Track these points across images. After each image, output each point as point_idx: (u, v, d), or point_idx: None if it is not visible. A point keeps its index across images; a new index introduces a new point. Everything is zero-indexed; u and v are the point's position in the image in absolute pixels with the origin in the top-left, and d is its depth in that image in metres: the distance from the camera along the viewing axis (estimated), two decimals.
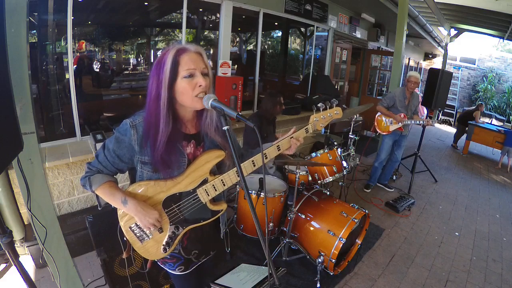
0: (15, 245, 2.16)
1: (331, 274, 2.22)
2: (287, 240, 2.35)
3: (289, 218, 2.33)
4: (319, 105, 1.15)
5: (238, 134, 3.40)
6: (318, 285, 2.15)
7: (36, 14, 2.51)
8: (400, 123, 3.63)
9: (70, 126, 2.72)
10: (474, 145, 7.14)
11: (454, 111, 12.01)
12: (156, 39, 4.08)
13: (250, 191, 2.29)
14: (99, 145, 2.53)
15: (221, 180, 1.07)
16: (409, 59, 11.22)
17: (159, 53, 3.98)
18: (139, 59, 3.93)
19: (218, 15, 3.69)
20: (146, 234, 1.08)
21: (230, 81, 3.58)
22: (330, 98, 4.76)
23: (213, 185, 1.06)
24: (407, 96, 3.65)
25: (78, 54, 3.07)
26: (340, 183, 3.22)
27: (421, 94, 5.44)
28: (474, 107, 7.39)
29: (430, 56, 13.60)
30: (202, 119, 1.07)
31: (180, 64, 0.93)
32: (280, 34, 5.74)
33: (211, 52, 4.42)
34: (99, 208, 1.39)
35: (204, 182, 1.06)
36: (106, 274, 1.89)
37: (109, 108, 3.48)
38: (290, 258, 2.39)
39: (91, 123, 2.97)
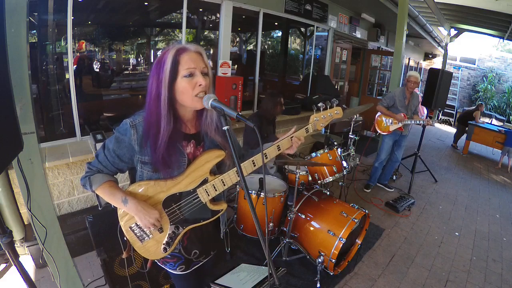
0: (15, 245, 2.16)
1: (331, 274, 2.22)
2: (287, 240, 2.35)
3: (289, 218, 2.33)
4: (319, 104, 1.15)
5: (238, 134, 3.40)
6: (318, 285, 2.15)
7: (36, 14, 2.51)
8: (400, 123, 3.63)
9: (70, 126, 2.72)
10: (474, 145, 7.14)
11: (454, 111, 12.01)
12: (156, 39, 4.08)
13: (250, 191, 2.29)
14: (99, 145, 2.53)
15: (221, 180, 1.07)
16: (409, 59, 11.22)
17: (159, 53, 3.97)
18: (139, 59, 3.93)
19: (218, 15, 3.69)
20: (146, 234, 1.08)
21: (230, 81, 3.58)
22: (330, 98, 4.74)
23: (213, 185, 1.06)
24: (407, 96, 3.65)
25: (78, 54, 3.08)
26: (340, 183, 3.22)
27: (421, 94, 5.44)
28: (474, 107, 7.39)
29: (430, 56, 13.60)
30: (202, 119, 1.07)
31: (180, 63, 0.94)
32: (280, 34, 5.74)
33: (211, 52, 4.42)
34: (100, 208, 1.39)
35: (204, 182, 1.06)
36: (106, 274, 1.89)
37: (109, 108, 3.48)
38: (290, 258, 2.39)
39: (91, 123, 2.97)
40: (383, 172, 4.09)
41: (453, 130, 9.18)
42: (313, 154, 2.70)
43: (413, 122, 3.64)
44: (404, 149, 3.96)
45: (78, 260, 2.25)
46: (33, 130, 1.43)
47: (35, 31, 2.61)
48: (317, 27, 5.21)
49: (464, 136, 7.03)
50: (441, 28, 8.44)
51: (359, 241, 2.47)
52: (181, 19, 3.28)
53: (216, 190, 1.07)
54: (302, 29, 5.80)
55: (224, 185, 1.07)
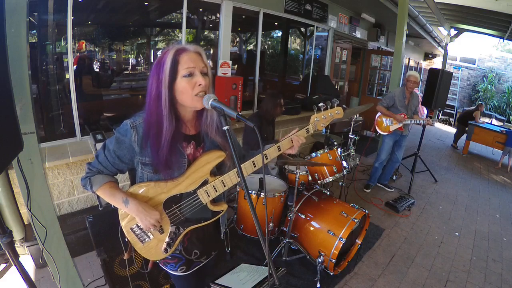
0: (15, 245, 2.16)
1: (331, 274, 2.22)
2: (287, 240, 2.35)
3: (289, 218, 2.33)
4: (320, 105, 1.15)
5: (238, 134, 3.40)
6: (318, 285, 2.15)
7: (36, 14, 2.51)
8: (400, 123, 3.63)
9: (70, 126, 2.72)
10: (474, 145, 7.14)
11: (454, 111, 12.01)
12: (156, 39, 4.07)
13: (250, 191, 2.29)
14: (99, 145, 2.53)
15: (222, 181, 1.07)
16: (409, 59, 11.22)
17: (159, 53, 3.98)
18: (139, 59, 3.93)
19: (218, 15, 3.69)
20: (147, 235, 1.08)
21: (230, 81, 3.58)
22: (330, 98, 4.75)
23: (213, 186, 1.06)
24: (406, 96, 3.65)
25: (78, 54, 3.07)
26: (340, 183, 3.22)
27: (421, 94, 5.44)
28: (474, 107, 7.39)
29: (430, 56, 13.60)
30: (202, 119, 1.07)
31: (180, 63, 0.94)
32: (280, 34, 5.73)
33: (211, 52, 4.42)
34: (100, 208, 1.39)
35: (205, 183, 1.06)
36: (106, 274, 1.89)
37: (109, 108, 3.48)
38: (290, 258, 2.39)
39: (91, 123, 2.96)
40: (383, 172, 4.09)
41: (453, 130, 9.18)
42: (313, 154, 2.70)
43: (413, 122, 3.64)
44: (404, 149, 3.96)
45: (78, 260, 2.25)
46: (33, 130, 1.43)
47: (35, 31, 2.61)
48: (317, 27, 5.20)
49: (464, 136, 7.03)
50: (441, 28, 8.44)
51: (359, 241, 2.47)
52: (181, 19, 3.28)
53: (216, 191, 1.08)
54: (302, 29, 5.80)
55: (225, 186, 1.07)
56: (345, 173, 2.71)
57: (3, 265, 2.15)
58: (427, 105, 4.27)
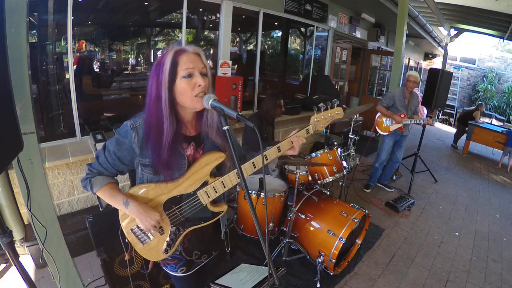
0: (15, 245, 2.16)
1: (331, 274, 2.22)
2: (287, 240, 2.35)
3: (289, 218, 2.33)
4: (320, 105, 1.15)
5: (238, 134, 3.40)
6: (318, 285, 2.15)
7: (36, 14, 2.51)
8: (400, 123, 3.63)
9: (70, 126, 2.72)
10: (474, 145, 7.14)
11: (454, 111, 12.02)
12: (156, 39, 4.07)
13: (250, 191, 2.29)
14: (99, 145, 2.53)
15: (221, 182, 1.07)
16: (409, 59, 11.22)
17: (159, 53, 3.98)
18: (139, 59, 3.93)
19: (218, 15, 3.69)
20: (147, 236, 1.08)
21: (230, 81, 3.58)
22: (330, 98, 4.75)
23: (213, 187, 1.07)
24: (406, 96, 3.65)
25: (78, 54, 3.07)
26: (340, 183, 3.23)
27: (421, 94, 5.44)
28: (474, 107, 7.39)
29: (430, 56, 13.60)
30: (202, 120, 1.06)
31: (179, 64, 0.94)
32: (280, 34, 5.74)
33: (211, 52, 4.42)
34: (101, 209, 1.39)
35: (205, 184, 1.06)
36: (106, 274, 1.89)
37: (109, 108, 3.48)
38: (290, 258, 2.39)
39: (91, 123, 2.97)
40: (383, 172, 4.09)
41: (453, 130, 9.18)
42: (313, 154, 2.70)
43: (413, 121, 3.64)
44: (404, 149, 3.96)
45: (78, 260, 2.25)
46: (33, 130, 1.43)
47: (35, 31, 2.61)
48: (317, 27, 5.20)
49: (464, 136, 7.03)
50: (441, 28, 8.44)
51: (359, 241, 2.47)
52: (181, 19, 3.28)
53: (216, 192, 1.08)
54: (302, 29, 5.80)
55: (224, 187, 1.08)
56: (345, 173, 2.71)
57: (3, 265, 2.15)
58: (427, 105, 4.27)
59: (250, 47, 5.32)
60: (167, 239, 1.08)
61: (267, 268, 0.98)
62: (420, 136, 4.23)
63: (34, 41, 2.61)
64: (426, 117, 4.12)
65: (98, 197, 1.06)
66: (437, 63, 13.30)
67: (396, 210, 3.51)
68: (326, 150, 2.67)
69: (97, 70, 3.37)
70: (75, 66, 2.85)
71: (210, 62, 4.38)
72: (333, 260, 2.12)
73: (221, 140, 1.09)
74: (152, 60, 3.92)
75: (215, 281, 1.38)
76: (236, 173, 1.06)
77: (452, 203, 4.01)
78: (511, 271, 2.68)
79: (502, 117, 11.84)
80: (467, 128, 6.87)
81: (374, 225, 3.14)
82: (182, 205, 1.07)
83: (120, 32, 3.60)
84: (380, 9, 5.65)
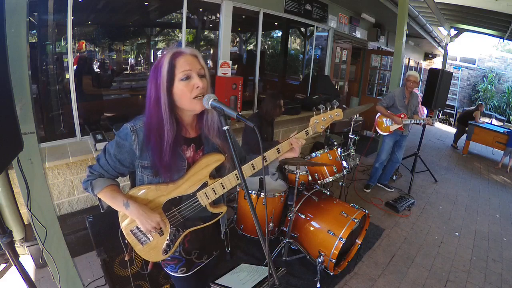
0: (15, 245, 2.16)
1: (331, 274, 2.22)
2: (287, 240, 2.35)
3: (289, 218, 2.33)
4: (319, 106, 1.15)
5: (238, 134, 3.40)
6: (318, 285, 2.16)
7: (36, 14, 2.51)
8: (399, 124, 3.63)
9: (70, 126, 2.72)
10: (474, 145, 7.14)
11: (454, 111, 12.02)
12: (156, 39, 4.07)
13: (250, 191, 2.29)
14: (99, 145, 2.53)
15: (221, 183, 1.07)
16: (409, 59, 11.22)
17: (159, 53, 3.98)
18: (139, 59, 3.93)
19: (218, 15, 3.69)
20: (147, 237, 1.08)
21: (230, 81, 3.58)
22: (330, 98, 4.75)
23: (212, 188, 1.07)
24: (406, 96, 3.65)
25: (78, 54, 3.07)
26: (340, 183, 3.23)
27: (421, 94, 5.44)
28: (474, 107, 7.39)
29: (430, 56, 13.61)
30: (202, 121, 1.06)
31: (176, 66, 0.94)
32: (280, 34, 5.73)
33: (211, 52, 4.42)
34: (102, 211, 1.40)
35: (204, 185, 1.06)
36: (106, 274, 1.90)
37: (109, 108, 3.48)
38: (290, 258, 2.39)
39: (91, 123, 2.96)
40: (383, 172, 4.09)
41: (453, 130, 9.18)
42: (313, 154, 2.70)
43: (413, 121, 3.64)
44: (404, 149, 3.96)
45: (78, 260, 2.25)
46: (33, 130, 1.43)
47: (35, 31, 2.61)
48: (317, 27, 5.21)
49: (464, 136, 7.03)
50: (441, 28, 8.44)
51: (359, 241, 2.47)
52: (181, 19, 3.28)
53: (215, 194, 1.07)
54: (302, 29, 5.80)
55: (224, 188, 1.07)
56: (345, 173, 2.72)
57: (3, 265, 2.15)
58: (427, 105, 4.27)
59: (250, 47, 5.32)
60: (167, 240, 1.08)
61: (267, 268, 0.98)
62: (420, 136, 4.23)
63: (34, 41, 2.61)
64: (426, 117, 4.12)
65: (99, 198, 1.07)
66: (437, 63, 13.31)
67: (396, 210, 3.51)
68: (326, 150, 2.67)
69: (97, 70, 3.36)
70: (75, 66, 2.85)
71: (210, 62, 4.38)
72: (333, 260, 2.12)
73: (221, 141, 1.09)
74: (152, 60, 3.92)
75: (215, 281, 1.38)
76: (235, 174, 1.06)
77: (452, 203, 4.01)
78: (511, 271, 2.68)
79: (502, 117, 11.85)
80: (467, 128, 6.86)
81: (374, 225, 3.14)
82: (181, 206, 1.07)
83: (120, 32, 3.60)
84: (380, 9, 5.65)
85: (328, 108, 1.15)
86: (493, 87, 12.64)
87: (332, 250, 2.13)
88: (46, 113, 2.71)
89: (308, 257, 2.34)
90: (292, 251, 2.50)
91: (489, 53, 13.31)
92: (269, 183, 2.54)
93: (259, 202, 2.28)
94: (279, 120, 4.19)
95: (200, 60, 0.99)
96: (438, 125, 10.58)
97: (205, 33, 4.45)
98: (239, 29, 5.15)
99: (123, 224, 1.08)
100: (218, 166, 1.08)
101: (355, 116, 3.14)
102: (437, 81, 3.97)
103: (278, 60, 5.75)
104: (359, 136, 3.57)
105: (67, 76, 2.66)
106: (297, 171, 2.24)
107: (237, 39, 5.40)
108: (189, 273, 1.16)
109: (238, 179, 1.06)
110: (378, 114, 3.79)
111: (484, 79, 12.97)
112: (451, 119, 11.71)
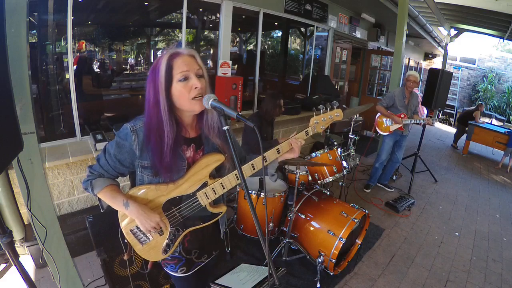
0: (15, 245, 2.16)
1: (331, 274, 2.22)
2: (287, 240, 2.35)
3: (289, 218, 2.33)
4: (319, 107, 1.15)
5: (238, 134, 3.40)
6: (318, 285, 2.16)
7: (36, 14, 2.51)
8: (399, 124, 3.63)
9: (70, 126, 2.72)
10: (474, 145, 7.14)
11: (454, 111, 12.02)
12: (156, 39, 4.07)
13: (250, 191, 2.29)
14: (99, 145, 2.53)
15: (221, 183, 1.07)
16: (409, 59, 11.22)
17: (159, 53, 3.98)
18: (139, 59, 3.93)
19: (218, 15, 3.69)
20: (147, 236, 1.08)
21: (230, 81, 3.58)
22: (330, 98, 4.75)
23: (212, 188, 1.07)
24: (406, 96, 3.65)
25: (78, 54, 3.07)
26: (340, 183, 3.23)
27: (421, 94, 5.44)
28: (474, 107, 7.39)
29: (430, 56, 13.61)
30: (202, 122, 1.06)
31: (174, 67, 0.94)
32: (280, 34, 5.73)
33: (211, 52, 4.42)
34: (102, 210, 1.40)
35: (204, 185, 1.06)
36: (106, 274, 1.90)
37: (109, 108, 3.48)
38: (290, 258, 2.39)
39: (91, 123, 2.97)
40: (383, 172, 4.09)
41: (453, 130, 9.18)
42: (313, 154, 2.70)
43: (413, 121, 3.64)
44: (404, 149, 3.96)
45: (78, 260, 2.25)
46: (33, 130, 1.43)
47: (35, 31, 2.61)
48: (317, 27, 5.21)
49: (464, 136, 7.03)
50: (441, 28, 8.44)
51: (359, 241, 2.47)
52: (181, 19, 3.28)
53: (215, 194, 1.08)
54: (302, 29, 5.80)
55: (224, 188, 1.07)
56: (345, 173, 2.71)
57: (3, 265, 2.15)
58: (427, 105, 4.27)
59: (250, 47, 5.32)
60: (166, 239, 1.08)
61: (267, 268, 0.98)
62: (420, 136, 4.23)
63: (34, 41, 2.61)
64: (426, 117, 4.12)
65: (99, 198, 1.07)
66: (437, 63, 13.31)
67: (396, 210, 3.51)
68: (326, 150, 2.67)
69: (97, 70, 3.36)
70: (75, 66, 2.85)
71: (210, 62, 4.38)
72: (333, 260, 2.12)
73: (221, 141, 1.09)
74: (152, 60, 3.92)
75: (215, 281, 1.38)
76: (235, 174, 1.06)
77: (452, 203, 4.01)
78: (511, 271, 2.68)
79: (502, 117, 11.85)
80: (467, 128, 6.86)
81: (374, 225, 3.14)
82: (181, 206, 1.07)
83: (120, 32, 3.60)
84: (380, 9, 5.65)
85: (328, 109, 1.15)
86: (493, 87, 12.64)
87: (332, 250, 2.13)
88: (46, 113, 2.71)
89: (308, 257, 2.34)
90: (292, 251, 2.50)
91: (489, 53, 13.31)
92: (269, 183, 2.53)
93: (259, 202, 2.28)
94: (279, 120, 4.19)
95: (198, 60, 0.99)
96: (438, 125, 10.58)
97: (205, 33, 4.45)
98: (239, 29, 5.15)
99: (123, 224, 1.08)
100: (218, 166, 1.08)
101: (355, 116, 3.14)
102: (437, 81, 3.97)
103: (278, 60, 5.75)
104: (359, 136, 3.57)
105: (67, 76, 2.66)
106: (297, 171, 2.24)
107: (237, 39, 5.40)
108: (189, 273, 1.16)
109: (238, 179, 1.06)
110: (378, 114, 3.79)
111: (484, 79, 12.98)
112: (451, 119, 11.71)
